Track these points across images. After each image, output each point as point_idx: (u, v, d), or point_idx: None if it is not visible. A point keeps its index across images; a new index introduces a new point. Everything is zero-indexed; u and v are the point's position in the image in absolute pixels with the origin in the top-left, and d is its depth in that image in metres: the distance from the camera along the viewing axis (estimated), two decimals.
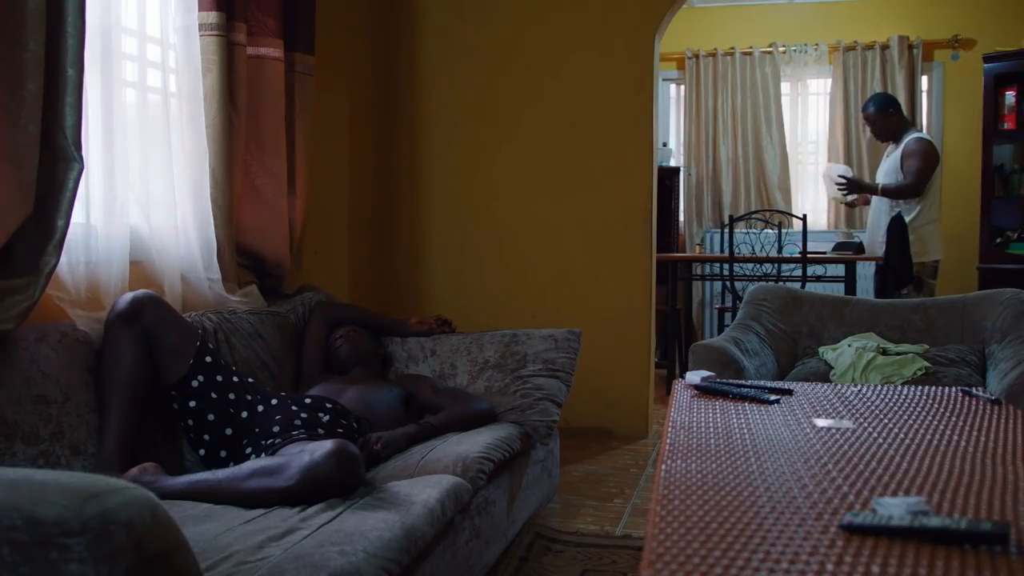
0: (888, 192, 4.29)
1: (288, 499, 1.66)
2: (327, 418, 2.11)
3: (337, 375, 2.57)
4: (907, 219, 4.23)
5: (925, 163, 4.21)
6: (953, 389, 2.04)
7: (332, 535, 1.47)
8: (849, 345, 2.93)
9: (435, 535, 1.72)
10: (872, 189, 4.40)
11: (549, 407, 2.53)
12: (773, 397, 1.90)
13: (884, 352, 2.86)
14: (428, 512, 1.69)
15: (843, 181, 4.45)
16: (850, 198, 4.58)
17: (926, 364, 2.76)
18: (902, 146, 4.29)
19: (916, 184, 4.20)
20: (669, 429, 1.61)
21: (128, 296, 2.05)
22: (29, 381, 1.79)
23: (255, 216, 2.77)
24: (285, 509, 1.63)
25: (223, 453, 2.07)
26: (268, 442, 1.97)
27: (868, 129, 4.62)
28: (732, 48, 6.06)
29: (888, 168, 4.36)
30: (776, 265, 4.77)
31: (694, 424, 1.65)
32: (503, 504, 2.24)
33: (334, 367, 2.65)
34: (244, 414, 2.09)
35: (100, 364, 1.98)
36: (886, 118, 4.36)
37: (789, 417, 1.71)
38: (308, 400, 2.16)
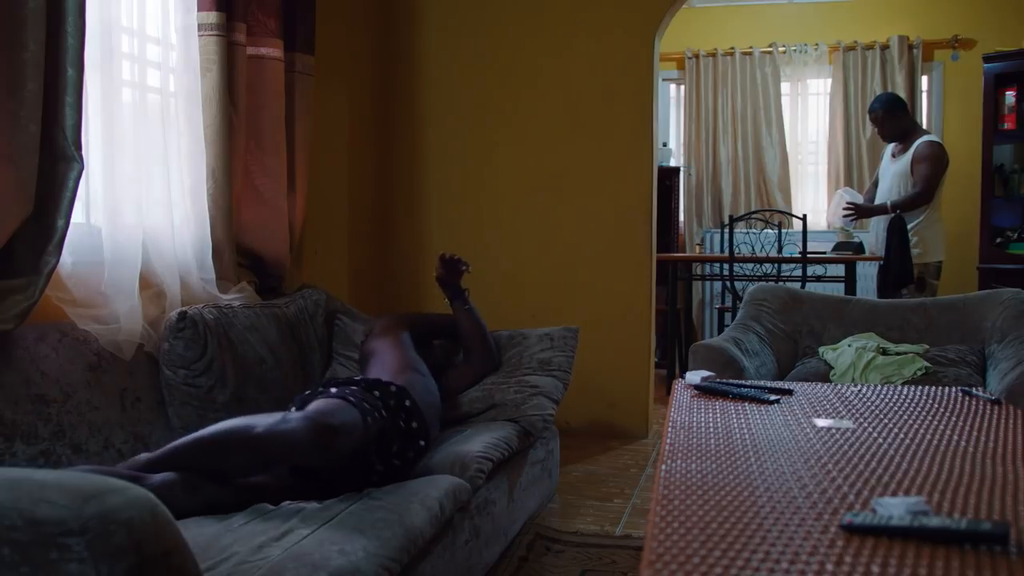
0: (899, 206, 4.23)
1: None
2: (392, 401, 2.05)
3: (403, 351, 2.46)
4: (912, 221, 4.22)
5: (936, 168, 4.18)
6: (953, 389, 2.04)
7: (332, 534, 1.47)
8: (849, 345, 2.93)
9: (434, 534, 1.72)
10: (881, 210, 4.34)
11: (543, 401, 2.53)
12: (773, 397, 1.90)
13: (884, 352, 2.86)
14: (427, 511, 1.69)
15: (850, 209, 4.41)
16: (853, 225, 4.56)
17: (926, 364, 2.76)
18: (913, 150, 4.25)
19: (926, 191, 4.18)
20: (669, 429, 1.61)
21: (332, 424, 1.73)
22: (28, 381, 1.79)
23: (255, 216, 2.77)
24: (284, 508, 1.63)
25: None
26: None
27: (873, 129, 4.59)
28: (732, 48, 6.06)
29: (897, 171, 4.33)
30: (776, 265, 4.77)
31: (694, 424, 1.65)
32: (503, 504, 2.24)
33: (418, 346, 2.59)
34: None
35: (225, 432, 1.70)
36: (893, 119, 4.34)
37: (789, 417, 1.71)
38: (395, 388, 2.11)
